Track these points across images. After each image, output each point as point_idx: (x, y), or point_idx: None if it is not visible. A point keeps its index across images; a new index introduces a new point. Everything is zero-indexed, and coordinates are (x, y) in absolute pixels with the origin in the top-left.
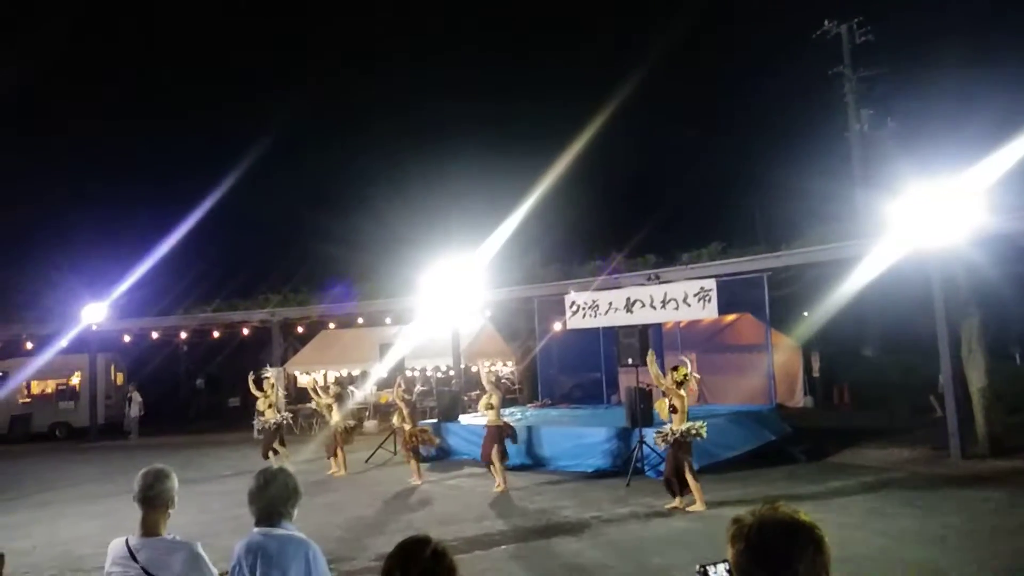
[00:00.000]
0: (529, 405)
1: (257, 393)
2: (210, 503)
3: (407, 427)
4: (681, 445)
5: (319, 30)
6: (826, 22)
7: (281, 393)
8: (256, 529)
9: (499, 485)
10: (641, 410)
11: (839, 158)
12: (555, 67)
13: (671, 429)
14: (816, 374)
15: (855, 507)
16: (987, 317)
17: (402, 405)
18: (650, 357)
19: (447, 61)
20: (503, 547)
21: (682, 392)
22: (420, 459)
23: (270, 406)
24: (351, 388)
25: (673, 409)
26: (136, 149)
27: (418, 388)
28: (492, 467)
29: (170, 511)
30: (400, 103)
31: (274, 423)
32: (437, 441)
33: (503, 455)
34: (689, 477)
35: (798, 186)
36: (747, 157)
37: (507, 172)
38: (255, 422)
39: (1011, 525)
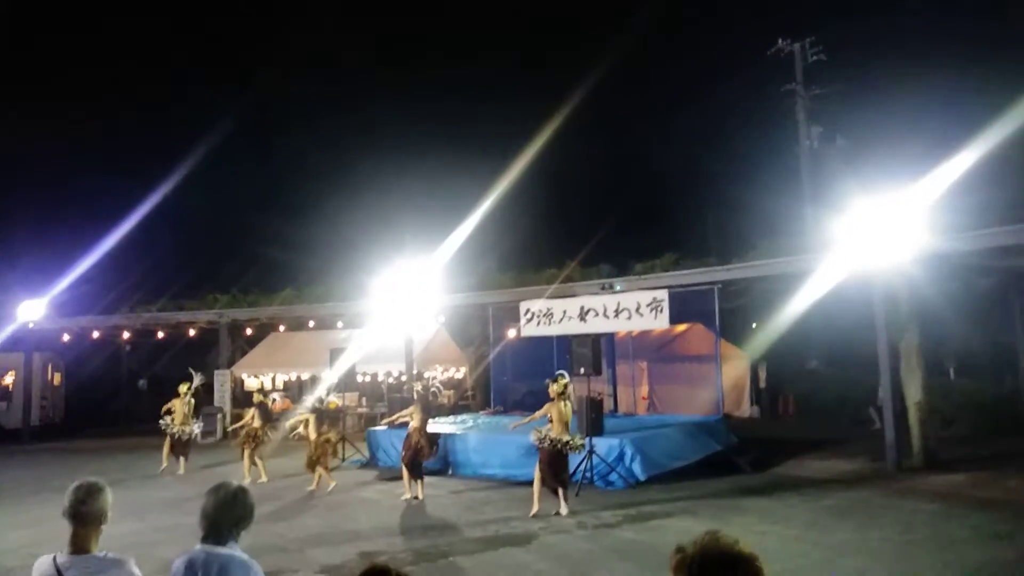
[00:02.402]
0: (481, 412)
1: (180, 400)
2: (147, 511)
3: (312, 436)
4: (553, 452)
5: (270, 27)
6: (780, 40)
7: (190, 405)
8: (200, 546)
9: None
10: (592, 419)
11: (790, 173)
12: (511, 74)
13: (548, 435)
14: (763, 385)
15: (796, 518)
16: (925, 333)
17: (310, 417)
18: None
19: (403, 61)
20: (450, 559)
21: (560, 403)
22: (328, 469)
23: (184, 415)
24: (274, 396)
25: (551, 419)
26: (79, 140)
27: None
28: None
29: (103, 526)
30: (354, 104)
31: (183, 432)
32: (337, 455)
33: (410, 463)
34: (536, 479)
35: (750, 200)
36: (701, 169)
37: (462, 177)
38: (162, 421)
39: (944, 537)
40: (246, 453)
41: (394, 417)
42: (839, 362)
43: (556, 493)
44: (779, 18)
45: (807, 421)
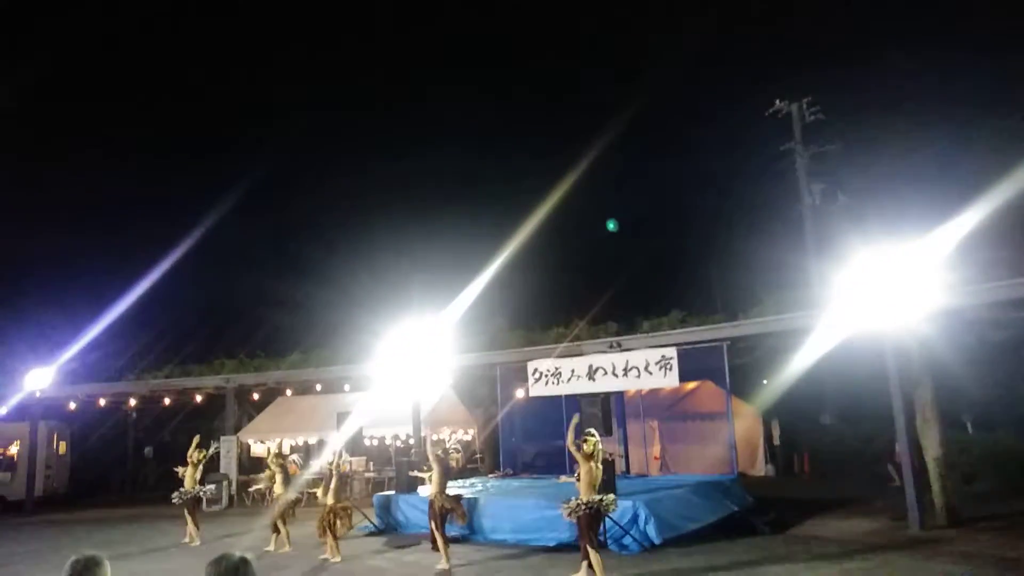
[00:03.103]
0: (490, 475)
1: (195, 458)
2: None
3: (329, 501)
4: (589, 517)
5: (274, 91)
6: (777, 101)
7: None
8: None
9: (440, 564)
10: (604, 481)
11: (794, 229)
12: (518, 135)
13: (578, 501)
14: (776, 442)
15: None
16: (939, 387)
17: (333, 476)
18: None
19: (411, 121)
20: None
21: (591, 463)
22: (337, 538)
23: (192, 479)
24: (293, 458)
25: (578, 478)
26: (88, 207)
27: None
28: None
29: None
30: (362, 165)
31: (191, 494)
32: (353, 523)
33: (438, 531)
34: (590, 550)
35: (755, 255)
36: (705, 226)
37: (471, 237)
38: (174, 495)
39: None
40: (280, 522)
41: (416, 473)
42: (853, 417)
43: (586, 558)
44: (777, 79)
45: (824, 479)
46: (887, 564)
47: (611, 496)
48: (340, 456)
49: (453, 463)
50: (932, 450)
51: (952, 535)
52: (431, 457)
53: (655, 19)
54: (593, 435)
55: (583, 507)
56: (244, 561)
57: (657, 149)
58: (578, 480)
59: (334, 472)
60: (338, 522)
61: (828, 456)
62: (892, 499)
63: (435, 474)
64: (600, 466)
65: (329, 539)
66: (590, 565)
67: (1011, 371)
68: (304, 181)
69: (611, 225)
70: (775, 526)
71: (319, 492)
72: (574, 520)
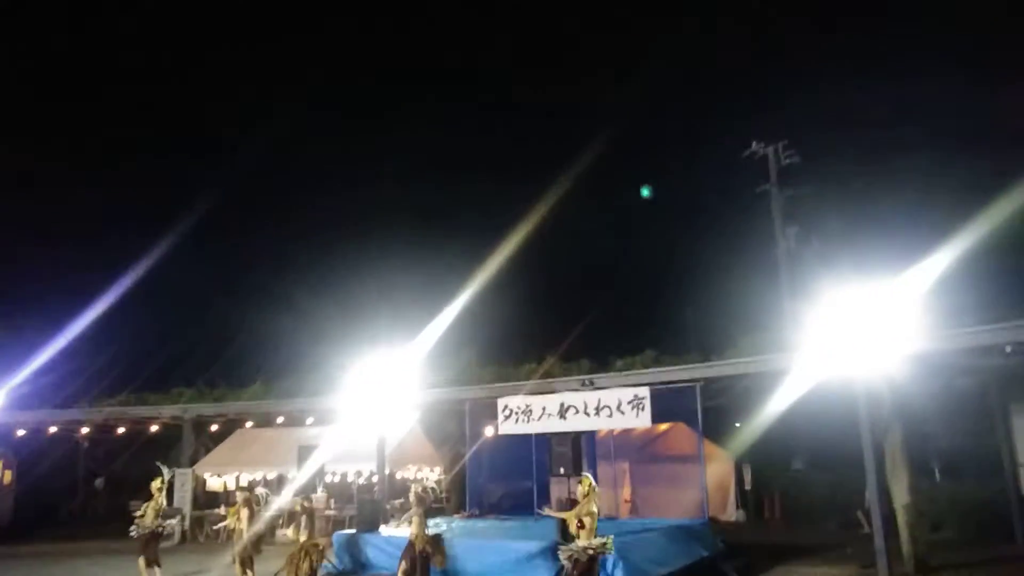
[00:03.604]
0: (456, 515)
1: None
2: None
3: (301, 539)
4: (589, 562)
5: (236, 115)
6: (754, 143)
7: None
8: None
9: None
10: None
11: (769, 270)
12: (491, 167)
13: (580, 546)
14: (748, 487)
15: None
16: (908, 433)
17: (302, 514)
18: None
19: (379, 147)
20: None
21: (592, 506)
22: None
23: (155, 511)
24: (259, 491)
25: (581, 524)
26: (40, 225)
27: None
28: None
29: None
30: (328, 192)
31: (151, 529)
32: (332, 560)
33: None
34: None
35: (730, 296)
36: (680, 266)
37: (441, 269)
38: (132, 528)
39: None
40: (239, 563)
41: (402, 520)
42: (824, 463)
43: None
44: (753, 123)
45: (794, 524)
46: None
47: (610, 538)
48: (315, 492)
49: None
50: (900, 497)
51: None
52: (413, 496)
53: (641, 42)
54: (588, 476)
55: (587, 552)
56: None
57: (633, 188)
58: (581, 527)
59: (306, 509)
60: (308, 560)
61: (798, 501)
62: (861, 546)
63: (417, 514)
64: (597, 507)
65: None
66: None
67: (977, 419)
68: (272, 210)
69: (645, 191)
70: (745, 572)
71: (290, 531)
72: (569, 566)
